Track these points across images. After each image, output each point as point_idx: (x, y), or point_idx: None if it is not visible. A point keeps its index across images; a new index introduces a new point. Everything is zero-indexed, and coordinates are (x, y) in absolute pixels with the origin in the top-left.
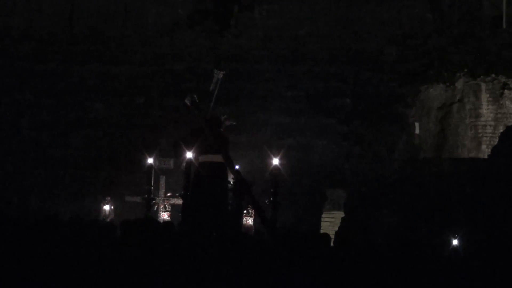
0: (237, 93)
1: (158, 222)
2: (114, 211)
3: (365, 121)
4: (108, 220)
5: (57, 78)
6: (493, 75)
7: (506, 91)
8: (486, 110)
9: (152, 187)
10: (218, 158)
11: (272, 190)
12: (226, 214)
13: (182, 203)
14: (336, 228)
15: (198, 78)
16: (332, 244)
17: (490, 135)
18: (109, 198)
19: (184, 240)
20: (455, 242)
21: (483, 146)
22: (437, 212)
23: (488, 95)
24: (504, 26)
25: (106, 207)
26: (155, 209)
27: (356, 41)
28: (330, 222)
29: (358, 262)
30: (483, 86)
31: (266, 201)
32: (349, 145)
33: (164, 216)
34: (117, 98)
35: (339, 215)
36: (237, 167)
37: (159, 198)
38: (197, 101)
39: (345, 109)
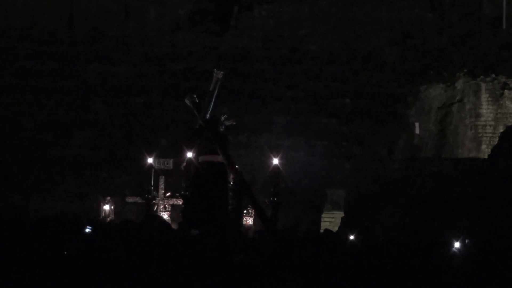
0: (237, 93)
1: (162, 219)
2: (114, 211)
3: (365, 121)
4: (108, 220)
5: (57, 78)
6: (493, 75)
7: (506, 91)
8: (486, 110)
9: (152, 187)
10: (218, 158)
11: (272, 190)
12: (226, 214)
13: (183, 203)
14: (336, 228)
15: (198, 78)
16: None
17: (490, 135)
18: (109, 198)
19: (184, 239)
20: (455, 242)
21: (483, 146)
22: (437, 212)
23: (488, 95)
24: (504, 26)
25: (106, 207)
26: (155, 209)
27: (356, 41)
28: (330, 222)
29: (358, 262)
30: (483, 86)
31: (266, 201)
32: (349, 145)
33: (164, 216)
34: (117, 98)
35: (339, 215)
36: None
37: (159, 198)
38: (197, 101)
39: (345, 109)
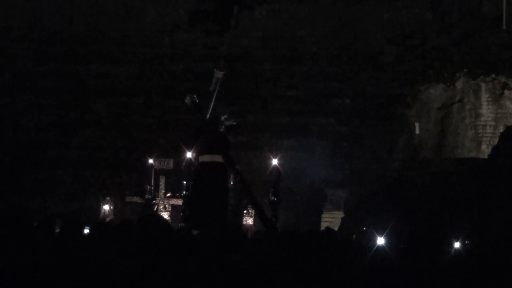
0: (237, 93)
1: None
2: (113, 211)
3: (365, 121)
4: (107, 220)
5: (57, 78)
6: (493, 75)
7: (506, 91)
8: (486, 110)
9: (152, 187)
10: (218, 158)
11: (272, 190)
12: (226, 214)
13: (183, 203)
14: (336, 228)
15: (198, 78)
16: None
17: (490, 135)
18: (109, 198)
19: (183, 239)
20: (455, 242)
21: (483, 146)
22: (437, 212)
23: (488, 95)
24: (504, 26)
25: (106, 207)
26: (155, 209)
27: (356, 41)
28: (330, 222)
29: (357, 262)
30: (483, 86)
31: (266, 201)
32: (349, 145)
33: (164, 216)
34: (117, 98)
35: (339, 215)
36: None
37: (159, 198)
38: (197, 101)
39: (345, 109)
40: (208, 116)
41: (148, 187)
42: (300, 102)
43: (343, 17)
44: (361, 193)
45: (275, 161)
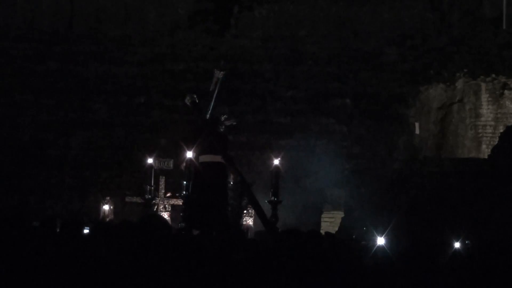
0: (237, 93)
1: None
2: (113, 211)
3: (365, 121)
4: (107, 220)
5: (57, 78)
6: (493, 75)
7: (506, 91)
8: (486, 110)
9: (152, 187)
10: (218, 158)
11: (272, 190)
12: (226, 214)
13: (183, 203)
14: (336, 228)
15: (198, 78)
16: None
17: (490, 135)
18: (108, 198)
19: (183, 239)
20: (455, 242)
21: (483, 146)
22: (437, 212)
23: (488, 95)
24: (504, 26)
25: (106, 207)
26: (155, 209)
27: (356, 41)
28: (330, 222)
29: (357, 262)
30: (483, 86)
31: (266, 201)
32: (349, 145)
33: (164, 216)
34: (117, 98)
35: (339, 215)
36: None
37: (159, 198)
38: (197, 101)
39: (345, 109)
40: (208, 116)
41: (148, 187)
42: (300, 102)
43: (343, 17)
44: (361, 193)
45: (276, 161)
